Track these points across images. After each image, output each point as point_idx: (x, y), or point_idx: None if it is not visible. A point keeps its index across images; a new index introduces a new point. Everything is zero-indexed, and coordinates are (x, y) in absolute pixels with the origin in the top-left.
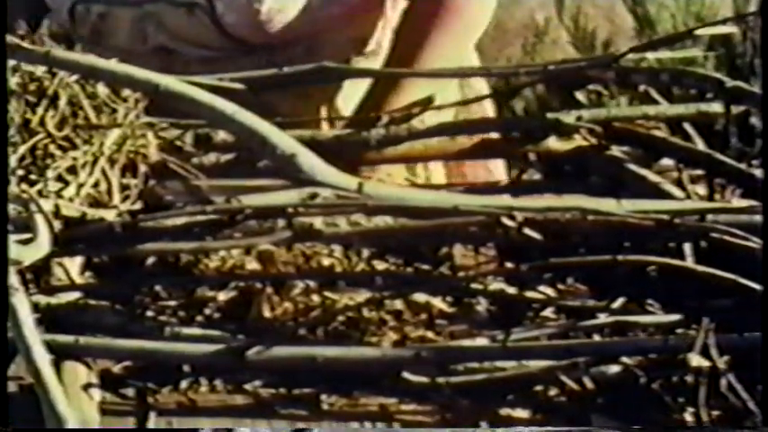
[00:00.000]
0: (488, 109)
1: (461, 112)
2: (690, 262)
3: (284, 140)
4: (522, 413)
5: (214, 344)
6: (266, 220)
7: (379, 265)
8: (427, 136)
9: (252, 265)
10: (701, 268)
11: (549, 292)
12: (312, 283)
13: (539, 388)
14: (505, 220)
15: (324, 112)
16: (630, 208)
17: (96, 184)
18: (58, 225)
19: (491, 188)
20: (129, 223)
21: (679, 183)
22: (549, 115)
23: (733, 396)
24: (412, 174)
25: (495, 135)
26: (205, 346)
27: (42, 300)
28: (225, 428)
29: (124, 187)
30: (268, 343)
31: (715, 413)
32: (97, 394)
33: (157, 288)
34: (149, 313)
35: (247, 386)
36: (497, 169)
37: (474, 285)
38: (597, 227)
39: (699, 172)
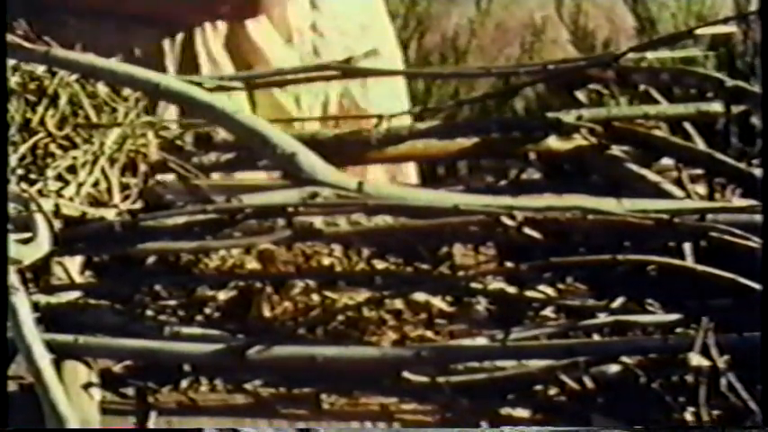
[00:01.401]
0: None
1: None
2: (689, 261)
3: (284, 139)
4: (522, 412)
5: (214, 343)
6: (266, 220)
7: (379, 265)
8: (428, 136)
9: (252, 264)
10: (700, 268)
11: (549, 291)
12: (312, 283)
13: (539, 387)
14: (505, 220)
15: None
16: (630, 207)
17: (96, 184)
18: (58, 224)
19: (491, 188)
20: (130, 222)
21: (679, 182)
22: (550, 115)
23: (733, 395)
24: None
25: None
26: (205, 345)
27: (42, 299)
28: (228, 429)
29: (124, 186)
30: (268, 342)
31: (715, 412)
32: (97, 393)
33: (157, 287)
34: (149, 312)
35: (248, 385)
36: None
37: (474, 285)
38: (597, 226)
39: (699, 171)
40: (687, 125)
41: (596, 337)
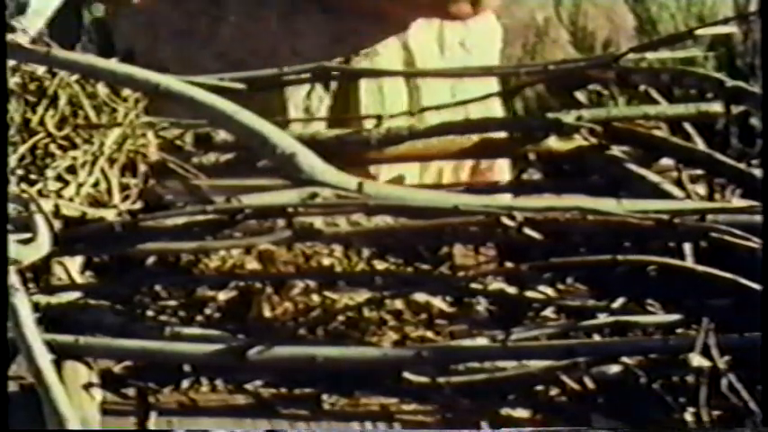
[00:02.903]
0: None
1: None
2: (690, 262)
3: (284, 140)
4: (522, 413)
5: (214, 344)
6: (266, 220)
7: (380, 265)
8: (428, 136)
9: (252, 264)
10: (700, 268)
11: (549, 291)
12: (312, 283)
13: (539, 388)
14: (505, 220)
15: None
16: (630, 208)
17: (96, 184)
18: (58, 225)
19: (491, 188)
20: (129, 223)
21: (679, 182)
22: (550, 115)
23: (734, 396)
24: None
25: (496, 135)
26: (205, 345)
27: (43, 299)
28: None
29: (124, 187)
30: (268, 343)
31: (715, 413)
32: (98, 394)
33: (157, 288)
34: (150, 313)
35: (248, 386)
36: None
37: (474, 285)
38: (597, 227)
39: (699, 172)
40: (687, 125)
41: (597, 338)
